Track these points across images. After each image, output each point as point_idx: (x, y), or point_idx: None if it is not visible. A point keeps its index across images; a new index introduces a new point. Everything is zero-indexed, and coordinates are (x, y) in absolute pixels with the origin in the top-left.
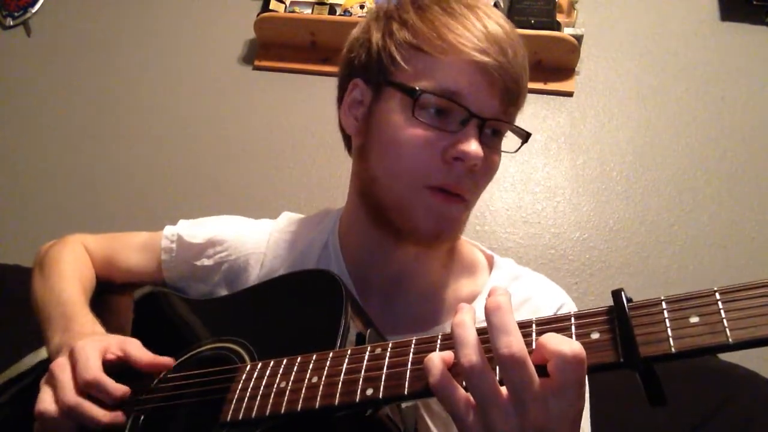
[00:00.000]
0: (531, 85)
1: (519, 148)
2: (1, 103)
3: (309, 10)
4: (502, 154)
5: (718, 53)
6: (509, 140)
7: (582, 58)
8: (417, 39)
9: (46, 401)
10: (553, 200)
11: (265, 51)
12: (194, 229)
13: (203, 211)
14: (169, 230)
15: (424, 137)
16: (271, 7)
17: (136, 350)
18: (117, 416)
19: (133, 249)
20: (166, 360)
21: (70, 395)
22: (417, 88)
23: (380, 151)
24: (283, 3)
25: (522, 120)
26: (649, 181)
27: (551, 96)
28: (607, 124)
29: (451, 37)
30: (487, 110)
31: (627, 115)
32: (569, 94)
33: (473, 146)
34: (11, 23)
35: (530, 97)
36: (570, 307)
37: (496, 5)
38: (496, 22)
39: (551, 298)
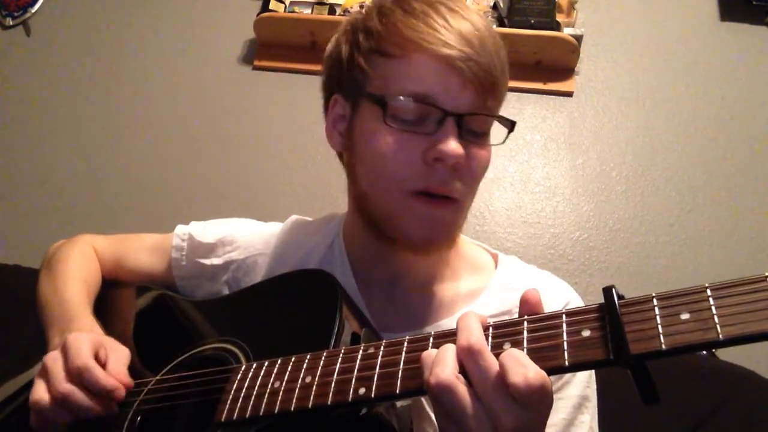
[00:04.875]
0: (531, 85)
1: (506, 138)
2: (0, 103)
3: (309, 10)
4: (505, 150)
5: (718, 53)
6: (497, 130)
7: (582, 58)
8: (380, 45)
9: (40, 391)
10: (552, 200)
11: (264, 51)
12: (205, 229)
13: (202, 211)
14: (180, 229)
15: (399, 143)
16: (271, 7)
17: (114, 362)
18: (109, 406)
19: (142, 250)
20: (119, 390)
21: (62, 384)
22: (384, 96)
23: (363, 163)
24: (283, 3)
25: (522, 120)
26: (649, 181)
27: (551, 96)
28: (607, 124)
29: (412, 35)
30: (463, 105)
31: (627, 115)
32: (569, 95)
33: (452, 145)
34: (11, 23)
35: (530, 97)
36: (576, 302)
37: (495, 6)
38: (461, 17)
39: (558, 294)
